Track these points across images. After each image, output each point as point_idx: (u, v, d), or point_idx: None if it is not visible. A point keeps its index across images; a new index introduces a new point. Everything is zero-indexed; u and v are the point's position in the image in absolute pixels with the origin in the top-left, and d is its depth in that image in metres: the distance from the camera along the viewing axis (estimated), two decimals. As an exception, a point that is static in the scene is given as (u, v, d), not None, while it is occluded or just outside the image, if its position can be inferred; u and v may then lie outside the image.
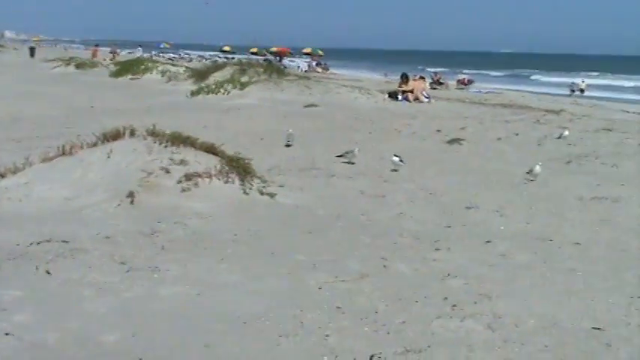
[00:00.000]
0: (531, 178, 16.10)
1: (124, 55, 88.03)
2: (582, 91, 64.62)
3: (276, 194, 12.86)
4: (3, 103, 30.04)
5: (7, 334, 6.74)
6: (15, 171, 13.18)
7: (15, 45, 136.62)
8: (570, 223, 12.57)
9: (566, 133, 22.27)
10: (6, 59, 79.34)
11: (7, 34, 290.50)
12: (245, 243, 10.28)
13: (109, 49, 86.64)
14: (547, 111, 29.73)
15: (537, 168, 16.20)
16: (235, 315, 7.63)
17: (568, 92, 64.12)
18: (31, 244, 9.50)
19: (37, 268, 8.62)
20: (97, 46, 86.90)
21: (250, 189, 12.73)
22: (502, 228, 12.10)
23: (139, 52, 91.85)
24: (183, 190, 12.06)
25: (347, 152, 17.65)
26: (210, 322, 7.43)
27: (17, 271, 8.54)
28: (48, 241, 9.62)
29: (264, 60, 59.31)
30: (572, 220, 12.80)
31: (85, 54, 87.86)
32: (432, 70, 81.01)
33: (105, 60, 69.33)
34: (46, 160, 13.51)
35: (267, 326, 7.39)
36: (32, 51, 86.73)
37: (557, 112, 29.24)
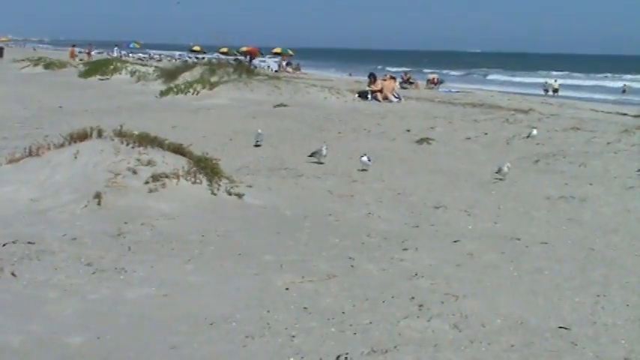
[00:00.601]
0: (500, 178, 16.18)
1: (93, 55, 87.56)
2: (556, 91, 64.92)
3: (244, 194, 12.82)
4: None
5: (-30, 337, 6.68)
6: (-18, 172, 13.09)
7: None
8: (538, 223, 12.64)
9: (535, 132, 22.38)
10: (-27, 59, 78.80)
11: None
12: (212, 244, 10.23)
13: (78, 50, 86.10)
14: (516, 110, 29.85)
15: (506, 167, 16.28)
16: (202, 316, 7.60)
17: (542, 92, 64.46)
18: (-4, 245, 9.43)
19: (1, 270, 8.53)
20: (74, 46, 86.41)
21: (218, 189, 12.68)
22: (470, 227, 12.13)
23: (115, 52, 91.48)
24: (151, 191, 11.99)
25: (316, 152, 17.66)
26: (176, 323, 7.39)
27: (-18, 274, 8.47)
28: (13, 242, 9.54)
29: (234, 60, 59.08)
30: (540, 220, 12.87)
31: (54, 54, 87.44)
32: (393, 69, 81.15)
33: (75, 60, 69.01)
34: (12, 161, 13.42)
35: (234, 327, 7.36)
36: (0, 51, 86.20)
37: (526, 112, 29.35)
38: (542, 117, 27.73)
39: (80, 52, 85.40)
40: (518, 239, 11.39)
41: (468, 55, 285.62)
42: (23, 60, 62.83)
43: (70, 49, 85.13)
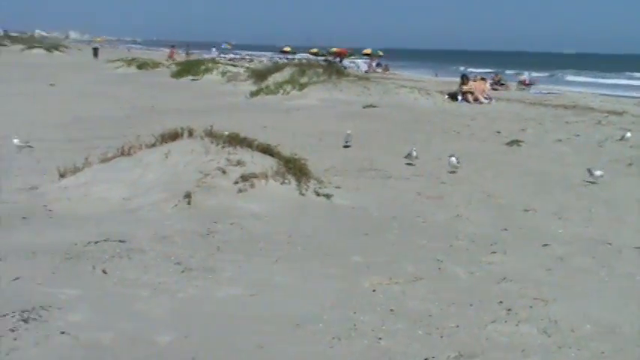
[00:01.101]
0: (591, 181, 15.90)
1: (183, 55, 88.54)
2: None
3: (332, 195, 12.86)
4: (65, 103, 30.54)
5: (62, 332, 6.79)
6: (75, 171, 13.39)
7: (79, 46, 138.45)
8: (630, 227, 12.38)
9: (629, 134, 21.92)
10: (70, 60, 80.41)
11: (72, 34, 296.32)
12: (300, 244, 10.28)
13: (171, 50, 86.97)
14: (609, 112, 29.29)
15: (597, 170, 16.00)
16: (289, 316, 7.63)
17: (635, 94, 63.00)
18: (89, 243, 9.60)
19: (93, 268, 8.71)
20: (173, 47, 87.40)
21: (306, 190, 12.74)
22: (560, 231, 11.94)
23: (213, 53, 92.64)
24: (240, 191, 12.11)
25: (408, 154, 17.58)
26: (263, 323, 7.43)
27: (74, 271, 8.63)
28: (105, 240, 9.72)
29: (324, 61, 59.25)
30: (633, 224, 12.61)
31: (147, 54, 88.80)
32: (477, 70, 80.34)
33: (167, 60, 69.91)
34: (105, 160, 13.69)
35: (321, 328, 7.37)
36: (95, 51, 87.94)
37: (620, 114, 28.79)
38: (636, 120, 27.19)
39: (185, 53, 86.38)
40: (610, 244, 11.17)
41: (561, 57, 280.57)
42: (117, 60, 64.01)
43: (169, 49, 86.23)
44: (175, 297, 8.03)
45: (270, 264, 9.33)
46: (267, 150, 13.65)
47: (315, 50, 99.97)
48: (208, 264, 9.12)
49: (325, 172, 14.98)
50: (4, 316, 7.05)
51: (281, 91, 34.89)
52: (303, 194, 12.63)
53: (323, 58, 76.62)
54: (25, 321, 6.96)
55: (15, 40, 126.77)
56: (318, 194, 12.80)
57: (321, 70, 38.99)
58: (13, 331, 6.75)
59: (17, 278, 8.28)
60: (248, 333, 7.18)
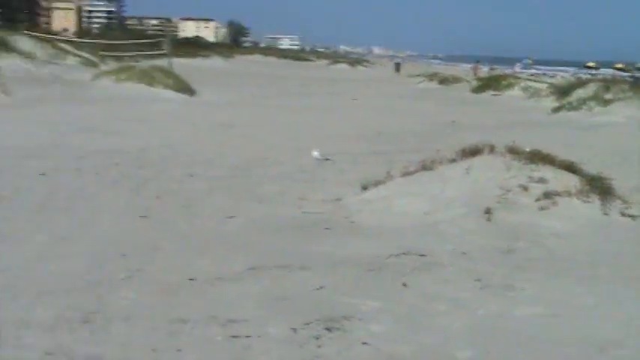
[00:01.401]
0: None
1: (486, 71, 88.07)
2: None
3: (638, 216, 12.37)
4: (368, 117, 31.33)
5: (364, 343, 6.95)
6: (377, 184, 13.67)
7: (381, 61, 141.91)
8: None
9: None
10: (372, 74, 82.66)
11: (375, 50, 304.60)
12: (604, 266, 9.94)
13: (475, 65, 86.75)
14: None
15: None
16: (591, 340, 7.38)
17: None
18: (390, 256, 9.79)
19: (394, 280, 8.85)
20: (477, 62, 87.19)
21: (610, 210, 12.33)
22: None
23: (517, 68, 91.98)
24: (541, 209, 11.90)
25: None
26: (565, 345, 7.24)
27: (376, 282, 8.82)
28: (405, 253, 9.87)
29: (630, 77, 57.30)
30: None
31: (448, 70, 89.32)
32: None
33: (468, 75, 70.01)
34: (406, 174, 13.88)
35: (625, 354, 7.10)
36: (397, 66, 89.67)
37: None
38: None
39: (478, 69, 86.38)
40: None
41: None
42: (418, 75, 65.01)
43: (472, 65, 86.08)
44: (475, 313, 8.00)
45: (572, 284, 9.10)
46: (569, 167, 13.34)
47: (620, 65, 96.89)
48: (508, 281, 9.01)
49: (632, 192, 14.42)
50: (309, 323, 7.32)
51: (584, 107, 34.10)
52: (607, 214, 12.22)
53: (629, 74, 74.08)
54: (329, 330, 7.19)
55: (320, 55, 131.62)
56: (623, 214, 12.36)
57: (627, 87, 37.71)
58: (317, 338, 6.99)
59: (321, 287, 8.58)
60: (549, 354, 7.03)
